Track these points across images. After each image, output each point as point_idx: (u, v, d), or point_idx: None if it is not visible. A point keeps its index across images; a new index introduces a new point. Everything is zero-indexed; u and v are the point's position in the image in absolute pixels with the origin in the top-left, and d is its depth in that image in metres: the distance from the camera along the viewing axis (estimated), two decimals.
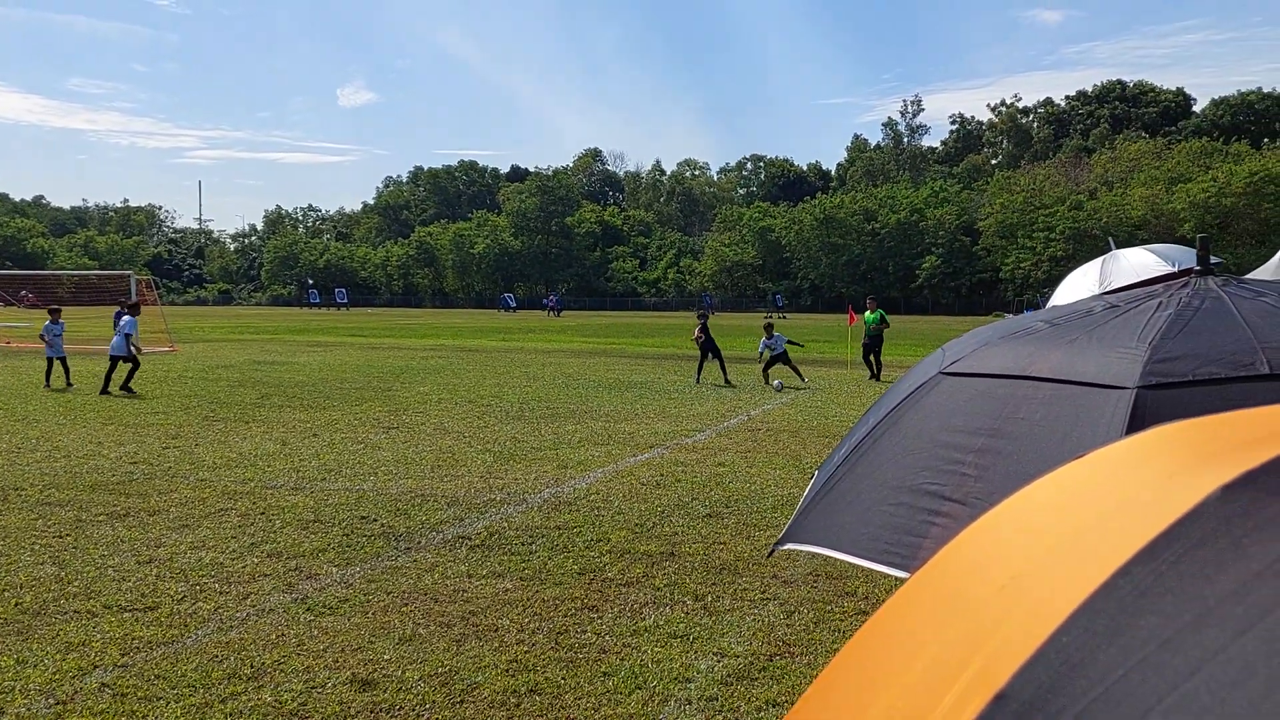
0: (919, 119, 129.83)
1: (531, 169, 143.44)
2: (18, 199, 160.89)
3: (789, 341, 21.58)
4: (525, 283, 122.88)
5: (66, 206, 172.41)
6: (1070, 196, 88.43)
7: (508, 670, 5.01)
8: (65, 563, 6.84)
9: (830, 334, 44.00)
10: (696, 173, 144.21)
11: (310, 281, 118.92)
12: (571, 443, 12.53)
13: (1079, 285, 6.15)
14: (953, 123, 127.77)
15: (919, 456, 2.05)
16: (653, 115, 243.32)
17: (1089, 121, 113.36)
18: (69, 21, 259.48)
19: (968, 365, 2.14)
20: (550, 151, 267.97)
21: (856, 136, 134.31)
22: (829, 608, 6.03)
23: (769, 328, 21.48)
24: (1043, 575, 0.71)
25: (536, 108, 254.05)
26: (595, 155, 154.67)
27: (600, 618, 5.83)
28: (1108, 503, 0.77)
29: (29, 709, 4.49)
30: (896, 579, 5.84)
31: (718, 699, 4.66)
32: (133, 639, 5.39)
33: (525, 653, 5.25)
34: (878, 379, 21.92)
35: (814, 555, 7.11)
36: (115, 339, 18.12)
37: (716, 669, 5.02)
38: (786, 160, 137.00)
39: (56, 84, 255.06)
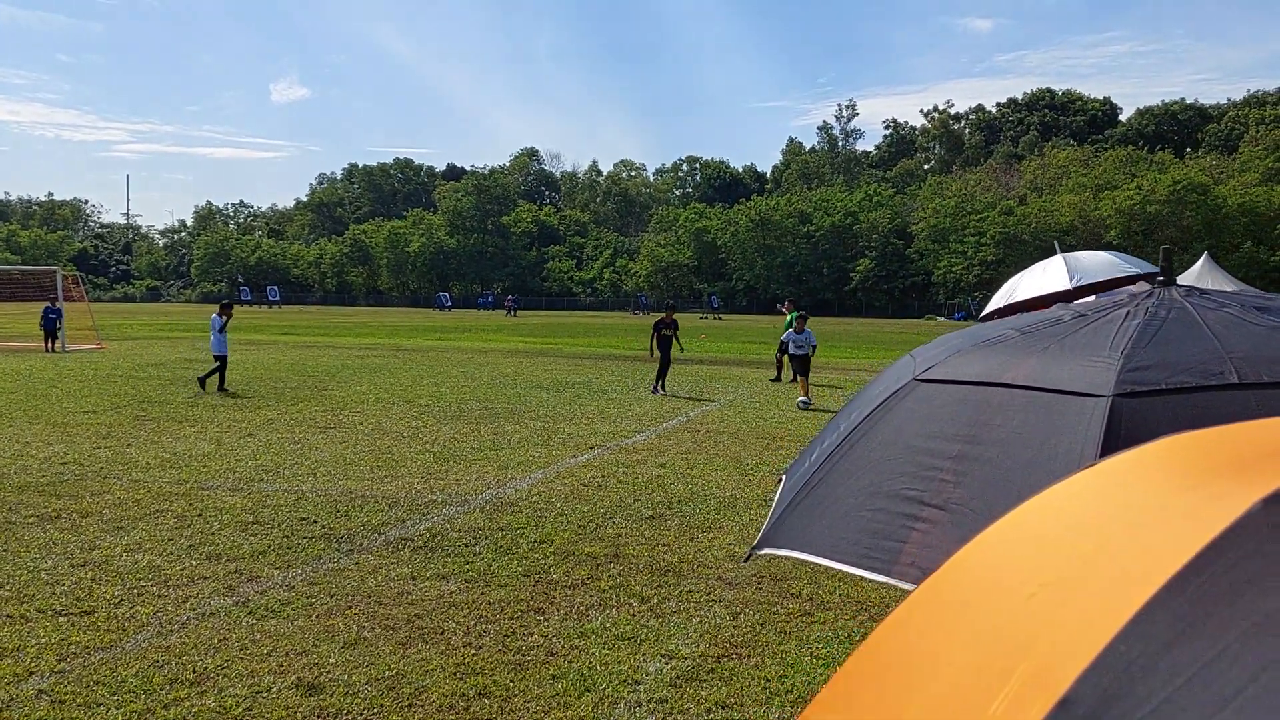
0: (853, 123, 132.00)
1: (468, 168, 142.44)
2: None
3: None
4: (461, 281, 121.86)
5: None
6: (1001, 202, 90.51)
7: (455, 673, 5.01)
8: None
9: (765, 335, 44.39)
10: (633, 173, 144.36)
11: (241, 279, 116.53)
12: (511, 443, 12.50)
13: (1038, 282, 6.28)
14: (886, 128, 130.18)
15: (896, 463, 2.12)
16: (590, 116, 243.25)
17: (1019, 129, 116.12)
18: None
19: (941, 372, 2.22)
20: (487, 150, 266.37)
21: (791, 140, 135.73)
22: (774, 609, 6.13)
23: (802, 318, 19.06)
24: (1084, 584, 0.75)
25: (473, 106, 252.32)
26: (532, 155, 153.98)
27: (547, 620, 5.86)
28: (1136, 513, 0.82)
29: None
30: (845, 580, 5.95)
31: (667, 701, 4.72)
32: (69, 644, 5.28)
33: (472, 655, 5.25)
34: (779, 380, 21.80)
35: (757, 556, 7.22)
36: (214, 339, 18.32)
37: (665, 671, 5.08)
38: (722, 162, 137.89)
39: None
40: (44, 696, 4.61)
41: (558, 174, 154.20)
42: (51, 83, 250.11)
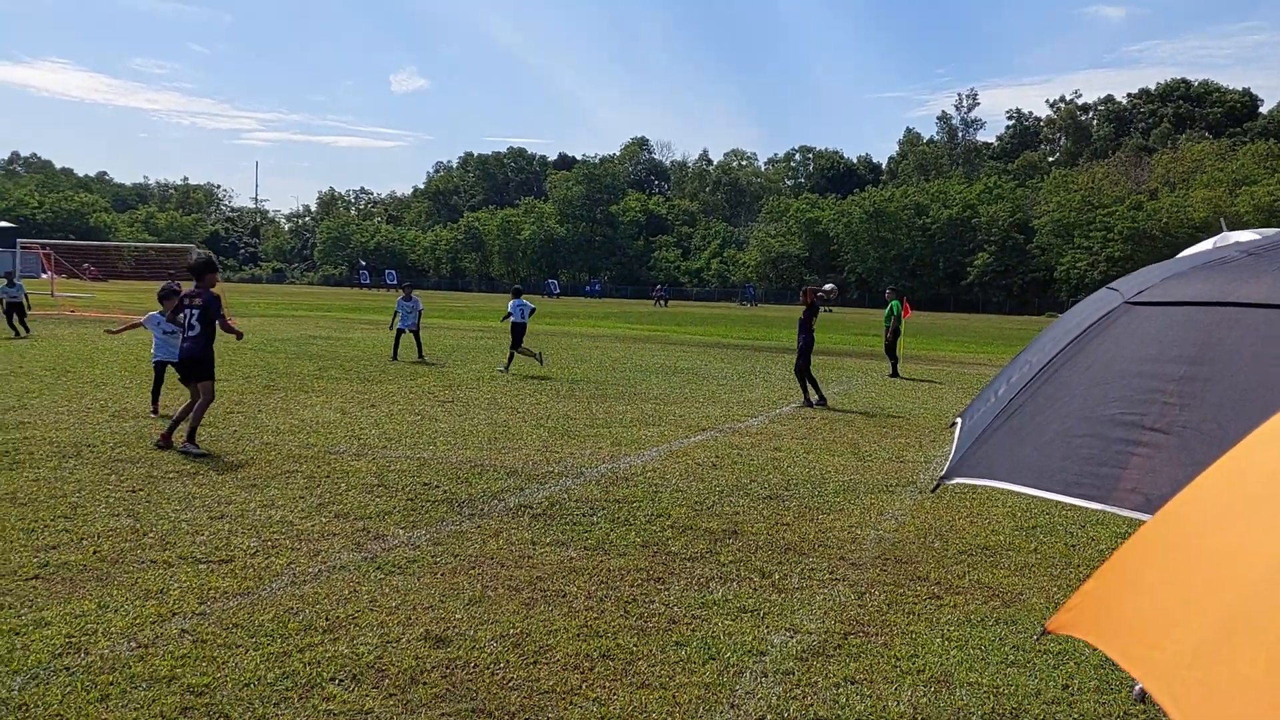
0: (974, 114, 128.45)
1: (579, 157, 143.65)
2: (81, 174, 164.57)
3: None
4: (569, 269, 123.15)
5: (128, 183, 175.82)
6: (1130, 196, 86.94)
7: (579, 635, 5.01)
8: (140, 515, 6.96)
9: (878, 327, 43.60)
10: (744, 163, 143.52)
11: (362, 262, 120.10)
12: (624, 422, 12.53)
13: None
14: (1009, 118, 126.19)
15: (1108, 387, 1.98)
16: (701, 105, 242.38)
17: (1150, 120, 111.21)
18: (130, 1, 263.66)
19: (1158, 294, 2.07)
20: (598, 140, 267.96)
21: (909, 130, 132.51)
22: (901, 591, 5.96)
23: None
24: None
25: (585, 96, 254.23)
26: (642, 144, 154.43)
27: (667, 589, 5.82)
28: None
29: (112, 651, 4.56)
30: (975, 565, 5.75)
31: (794, 673, 4.62)
32: (209, 589, 5.47)
33: (595, 619, 5.25)
34: (895, 374, 20.73)
35: (881, 539, 7.04)
36: (411, 318, 20.25)
37: (790, 644, 4.98)
38: (836, 152, 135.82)
39: (119, 63, 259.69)
40: (186, 636, 4.78)
41: (667, 163, 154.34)
42: (187, 73, 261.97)
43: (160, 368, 11.76)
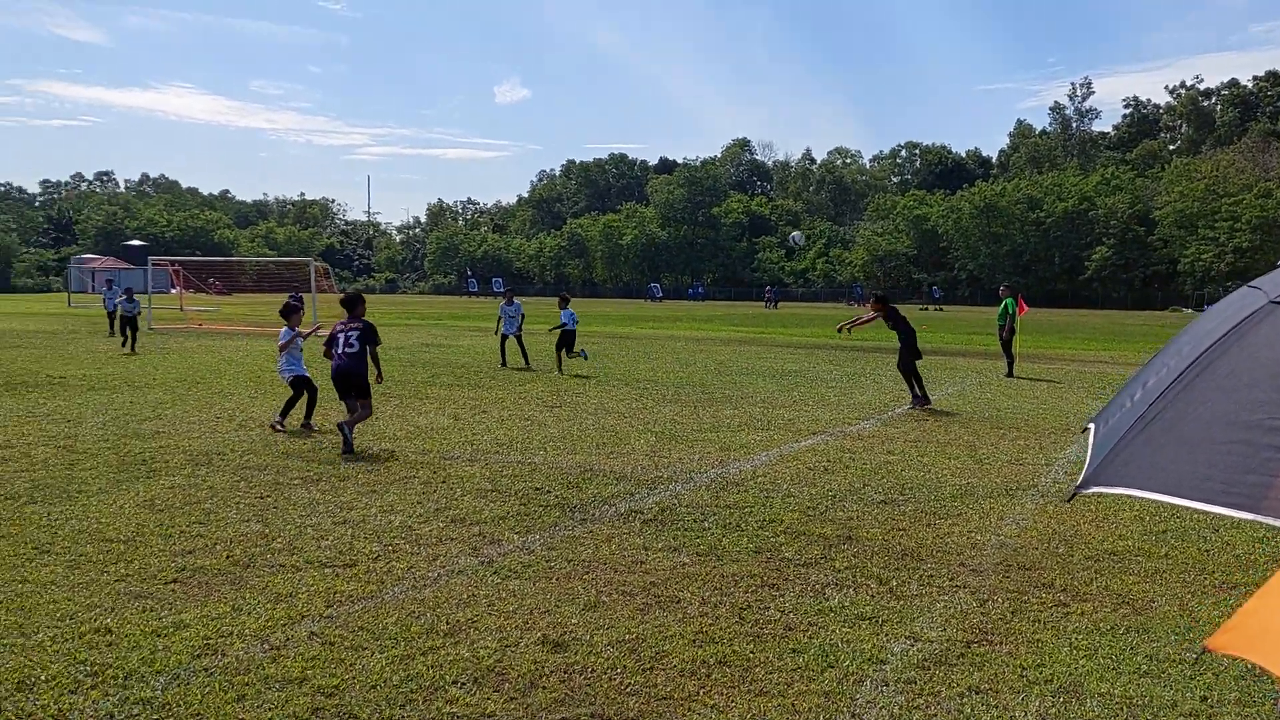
0: (1088, 103, 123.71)
1: (679, 160, 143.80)
2: (206, 193, 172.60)
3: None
4: (671, 273, 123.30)
5: (249, 200, 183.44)
6: (1258, 184, 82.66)
7: (694, 641, 5.00)
8: (268, 521, 7.24)
9: (991, 326, 42.45)
10: (848, 161, 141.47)
11: (469, 271, 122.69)
12: (731, 426, 12.47)
13: None
14: (1126, 106, 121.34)
15: (1255, 391, 1.88)
16: (803, 104, 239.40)
17: (1279, 104, 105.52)
18: (248, 26, 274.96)
19: None
20: (698, 143, 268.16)
21: (1020, 122, 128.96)
22: (1025, 598, 5.78)
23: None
24: None
25: (685, 100, 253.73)
26: (743, 145, 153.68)
27: (782, 596, 5.76)
28: None
29: (246, 652, 4.74)
30: (1102, 571, 5.54)
31: (915, 682, 4.52)
32: (335, 592, 5.65)
33: (710, 625, 5.23)
34: (1010, 374, 20.08)
35: (1002, 544, 6.84)
36: (514, 323, 20.91)
37: (911, 653, 4.88)
38: (944, 147, 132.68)
39: (240, 86, 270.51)
40: (315, 638, 4.94)
41: (769, 163, 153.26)
42: (304, 92, 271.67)
43: (298, 384, 11.78)
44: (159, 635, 4.93)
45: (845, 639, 5.05)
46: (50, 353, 22.07)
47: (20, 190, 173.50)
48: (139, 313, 24.37)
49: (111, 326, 27.83)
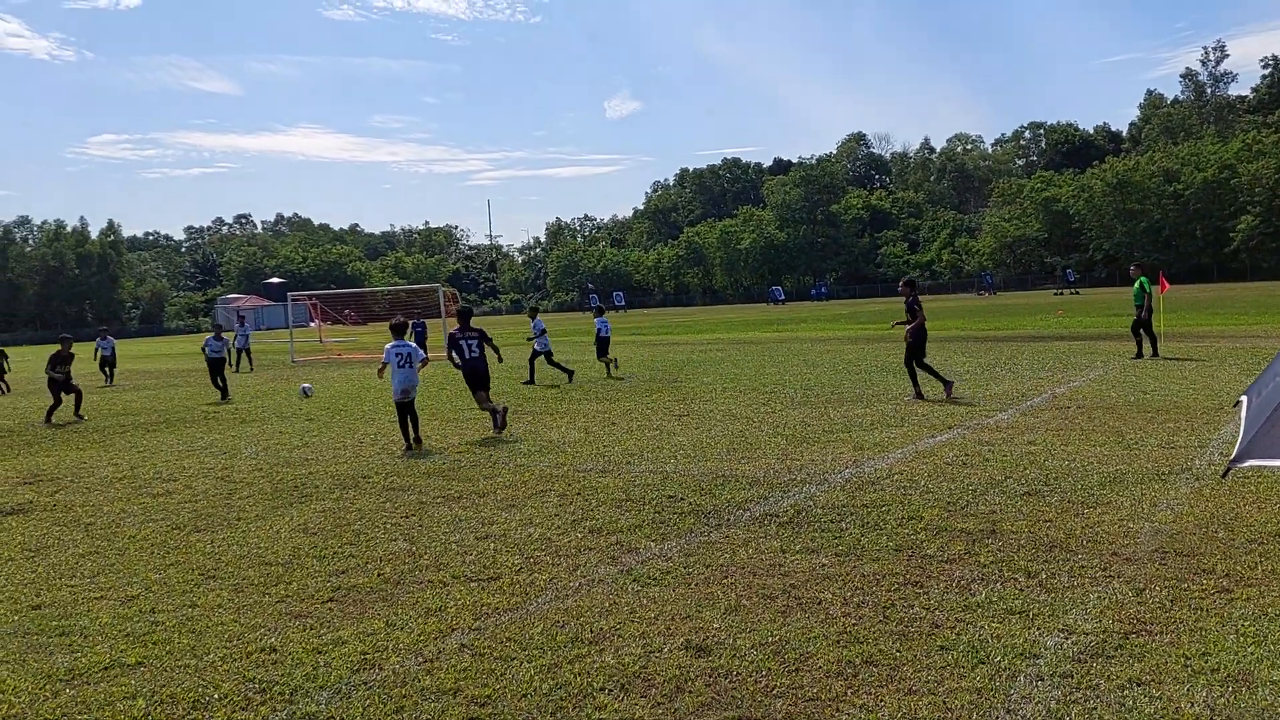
0: (1223, 66, 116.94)
1: (794, 160, 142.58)
2: (337, 228, 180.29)
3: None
4: (792, 274, 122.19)
5: (377, 232, 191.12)
6: None
7: (838, 641, 4.94)
8: (415, 539, 7.50)
9: (1128, 307, 40.53)
10: (969, 147, 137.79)
11: (590, 286, 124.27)
12: (863, 425, 12.28)
13: None
14: (1264, 67, 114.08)
15: None
16: (918, 92, 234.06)
17: None
18: (366, 63, 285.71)
19: None
20: (813, 141, 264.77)
21: (1150, 92, 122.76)
22: (1184, 586, 5.50)
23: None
24: None
25: (796, 98, 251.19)
26: (859, 139, 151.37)
27: (926, 593, 5.64)
28: None
29: (402, 666, 4.92)
30: (1268, 554, 5.24)
31: (1072, 675, 4.37)
32: (482, 605, 5.81)
33: (853, 625, 5.16)
34: (1156, 354, 19.20)
35: (1157, 531, 6.54)
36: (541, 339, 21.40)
37: (1065, 646, 4.71)
38: (1070, 125, 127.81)
39: (362, 122, 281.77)
40: (466, 650, 5.09)
41: (887, 156, 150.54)
42: (421, 123, 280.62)
43: (401, 409, 12.16)
44: (320, 652, 5.16)
45: (995, 634, 4.92)
46: (202, 389, 23.35)
47: (168, 238, 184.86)
48: (226, 354, 23.30)
49: (235, 362, 29.75)
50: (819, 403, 14.83)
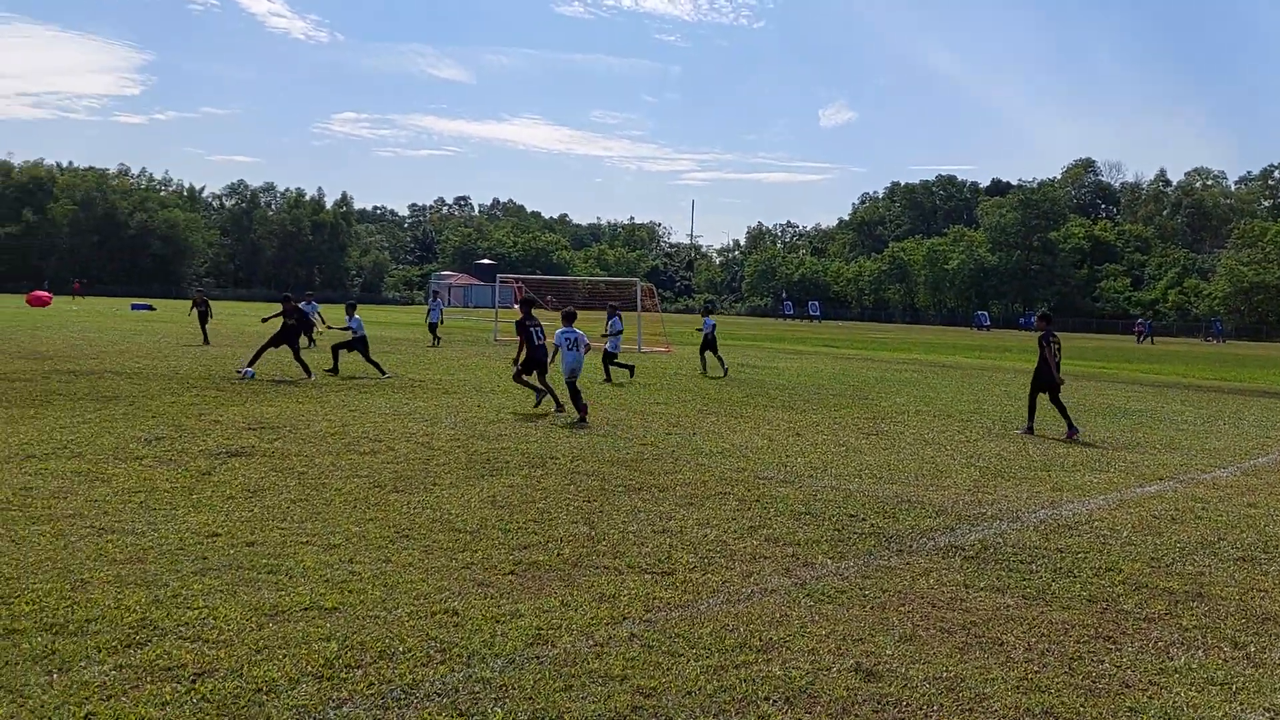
0: None
1: (1014, 182, 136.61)
2: (547, 216, 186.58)
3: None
4: (1001, 300, 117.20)
5: (584, 223, 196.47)
6: None
7: (1018, 687, 4.73)
8: (594, 524, 7.69)
9: None
10: (1209, 183, 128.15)
11: (785, 294, 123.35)
12: (1064, 465, 11.67)
13: None
14: None
15: None
16: (1157, 120, 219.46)
17: None
18: (591, 60, 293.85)
19: None
20: (1035, 163, 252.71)
21: None
22: None
23: None
24: None
25: (1021, 118, 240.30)
26: (1087, 166, 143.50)
27: (1119, 650, 5.32)
28: None
29: (573, 646, 5.06)
30: None
31: None
32: (654, 598, 5.89)
33: (1035, 673, 4.93)
34: None
35: None
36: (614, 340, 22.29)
37: None
38: None
39: (581, 116, 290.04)
40: (635, 640, 5.18)
41: (1116, 185, 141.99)
42: (637, 121, 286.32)
43: (571, 387, 14.23)
44: (498, 621, 5.37)
45: (1191, 703, 4.58)
46: (411, 358, 24.69)
47: (392, 213, 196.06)
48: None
49: (434, 337, 33.11)
50: (1017, 436, 14.20)
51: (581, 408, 13.81)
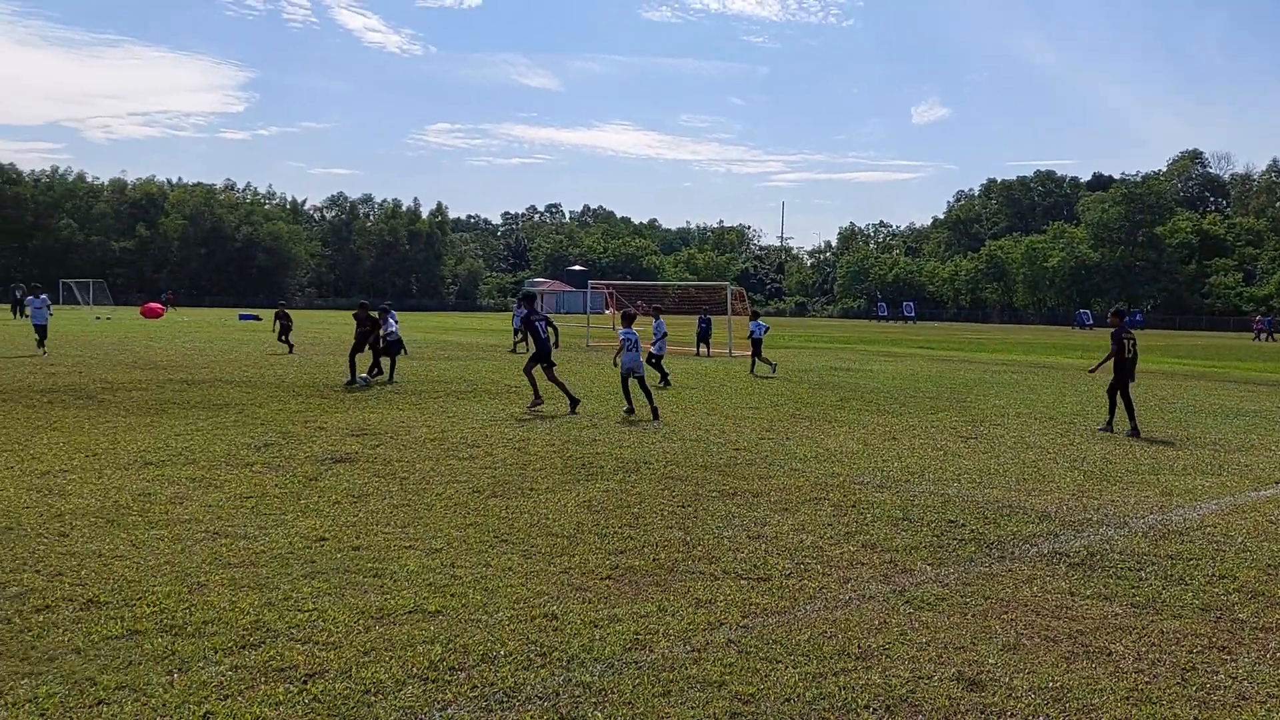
0: None
1: (1116, 176, 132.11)
2: (637, 222, 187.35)
3: None
4: (1103, 298, 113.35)
5: (673, 228, 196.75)
6: None
7: (1128, 698, 4.61)
8: (689, 529, 7.72)
9: None
10: None
11: (879, 295, 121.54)
12: (1174, 469, 11.27)
13: None
14: None
15: None
16: (1267, 109, 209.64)
17: None
18: (678, 64, 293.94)
19: None
20: (1138, 156, 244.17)
21: None
22: None
23: None
24: None
25: (1123, 110, 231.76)
26: (1194, 157, 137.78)
27: (1235, 661, 5.13)
28: None
29: (670, 651, 5.10)
30: None
31: None
32: (750, 604, 5.90)
33: (1146, 684, 4.79)
34: None
35: None
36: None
37: None
38: None
39: (670, 121, 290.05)
40: (732, 646, 5.20)
41: (1225, 177, 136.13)
42: (726, 124, 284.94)
43: (623, 380, 15.06)
44: (596, 626, 5.45)
45: None
46: (508, 364, 25.08)
47: (486, 221, 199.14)
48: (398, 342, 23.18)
49: (515, 343, 32.81)
50: (1122, 439, 13.76)
51: (637, 406, 14.92)
